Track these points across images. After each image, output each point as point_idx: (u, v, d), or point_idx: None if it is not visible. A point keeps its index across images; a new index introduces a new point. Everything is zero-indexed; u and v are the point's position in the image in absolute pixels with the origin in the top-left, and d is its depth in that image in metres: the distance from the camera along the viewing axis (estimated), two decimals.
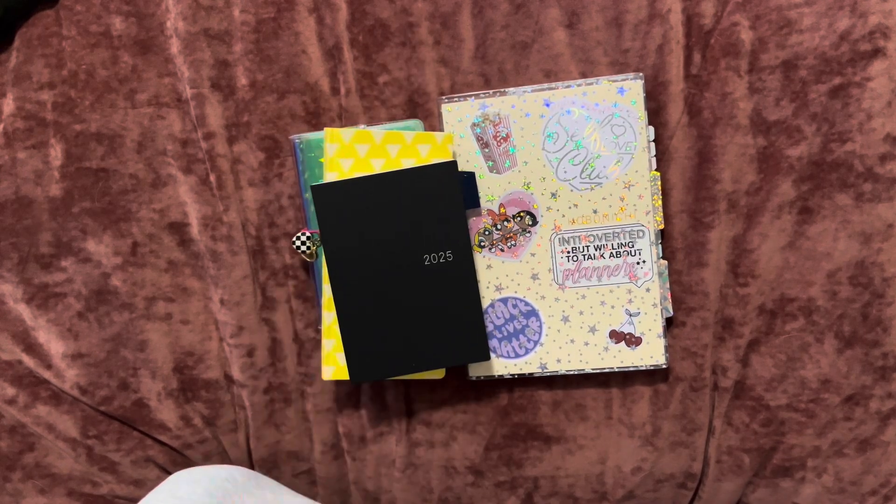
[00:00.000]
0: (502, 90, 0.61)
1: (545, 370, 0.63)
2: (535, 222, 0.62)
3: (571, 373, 0.63)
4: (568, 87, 0.60)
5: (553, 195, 0.61)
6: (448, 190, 0.58)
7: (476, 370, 0.64)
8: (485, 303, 0.63)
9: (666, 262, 0.62)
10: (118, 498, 0.68)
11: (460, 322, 0.60)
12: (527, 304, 0.62)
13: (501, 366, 0.63)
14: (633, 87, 0.59)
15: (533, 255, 0.62)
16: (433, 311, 0.59)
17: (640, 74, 0.59)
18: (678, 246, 0.62)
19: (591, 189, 0.61)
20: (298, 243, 0.62)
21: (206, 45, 0.63)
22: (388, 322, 0.59)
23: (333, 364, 0.62)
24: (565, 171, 0.61)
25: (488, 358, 0.61)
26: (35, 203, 0.65)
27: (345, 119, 0.63)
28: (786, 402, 0.62)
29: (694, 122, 0.60)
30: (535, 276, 0.62)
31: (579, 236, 0.61)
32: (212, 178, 0.64)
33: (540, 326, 0.62)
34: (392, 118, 0.63)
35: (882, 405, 0.61)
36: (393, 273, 0.59)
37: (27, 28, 0.65)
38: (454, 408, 0.66)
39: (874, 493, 0.63)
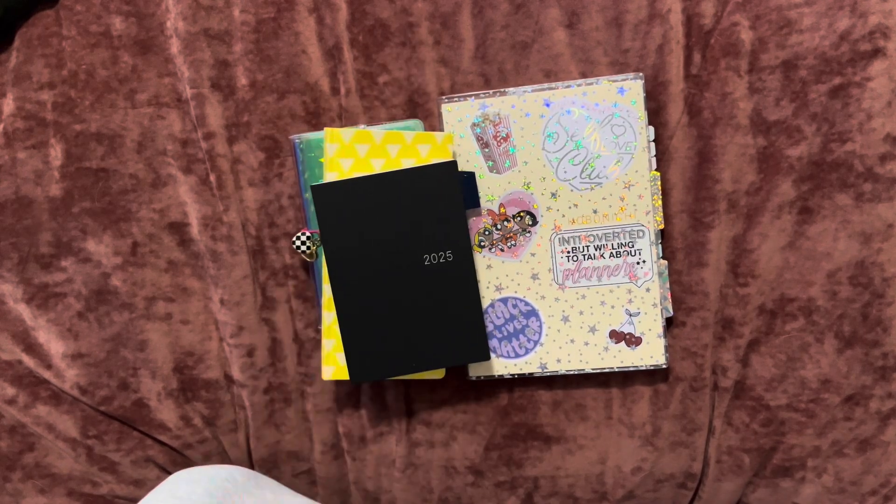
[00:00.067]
0: (502, 90, 0.61)
1: (545, 370, 0.63)
2: (535, 222, 0.62)
3: (571, 373, 0.63)
4: (568, 87, 0.60)
5: (553, 195, 0.61)
6: (448, 190, 0.58)
7: (476, 370, 0.64)
8: (485, 303, 0.63)
9: (666, 262, 0.61)
10: (118, 498, 0.68)
11: (460, 322, 0.60)
12: (527, 303, 0.62)
13: (501, 366, 0.63)
14: (633, 87, 0.59)
15: (533, 255, 0.62)
16: (433, 311, 0.59)
17: (640, 74, 0.59)
18: (678, 246, 0.62)
19: (591, 189, 0.61)
20: (298, 243, 0.62)
21: (206, 45, 0.63)
22: (388, 322, 0.59)
23: (333, 364, 0.62)
24: (565, 171, 0.61)
25: (488, 358, 0.61)
26: (35, 203, 0.65)
27: (345, 119, 0.63)
28: (786, 402, 0.62)
29: (694, 122, 0.60)
30: (535, 276, 0.62)
31: (579, 236, 0.61)
32: (212, 178, 0.64)
33: (540, 326, 0.62)
34: (392, 118, 0.63)
35: (882, 405, 0.61)
36: (393, 273, 0.59)
37: (27, 28, 0.65)
38: (454, 408, 0.66)
39: (874, 493, 0.63)
